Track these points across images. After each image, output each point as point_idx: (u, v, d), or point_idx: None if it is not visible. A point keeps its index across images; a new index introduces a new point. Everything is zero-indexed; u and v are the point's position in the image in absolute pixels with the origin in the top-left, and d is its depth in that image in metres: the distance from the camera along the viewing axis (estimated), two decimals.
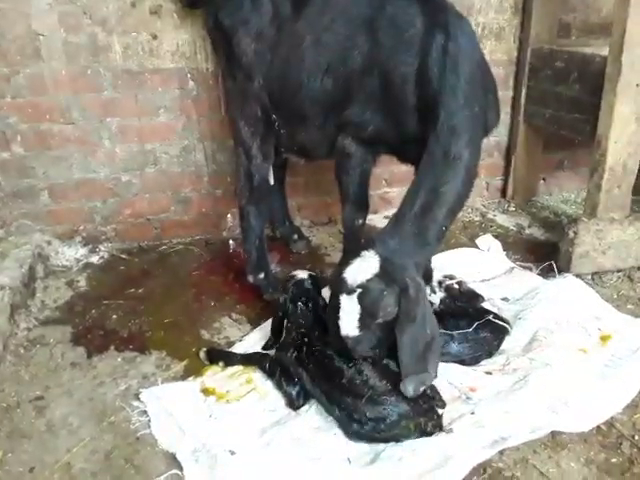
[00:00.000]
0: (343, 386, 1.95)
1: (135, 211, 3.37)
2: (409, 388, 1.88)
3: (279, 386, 2.15)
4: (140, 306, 2.80)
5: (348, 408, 1.90)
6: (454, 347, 2.23)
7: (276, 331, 2.37)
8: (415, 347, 1.96)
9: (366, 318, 1.97)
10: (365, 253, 2.00)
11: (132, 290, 2.94)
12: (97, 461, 1.91)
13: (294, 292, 2.38)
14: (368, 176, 2.52)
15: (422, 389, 1.91)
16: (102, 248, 3.32)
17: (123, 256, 3.28)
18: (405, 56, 2.19)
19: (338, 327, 2.01)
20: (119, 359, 2.42)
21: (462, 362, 2.25)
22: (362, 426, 1.88)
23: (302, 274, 2.47)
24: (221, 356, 2.37)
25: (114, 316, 2.72)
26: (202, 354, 2.38)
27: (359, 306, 1.96)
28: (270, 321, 2.55)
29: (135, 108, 3.17)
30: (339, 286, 2.01)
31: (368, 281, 1.96)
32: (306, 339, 2.17)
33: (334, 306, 2.03)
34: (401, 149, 2.44)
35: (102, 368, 2.37)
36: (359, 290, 1.96)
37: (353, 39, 2.30)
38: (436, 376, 2.00)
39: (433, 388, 2.01)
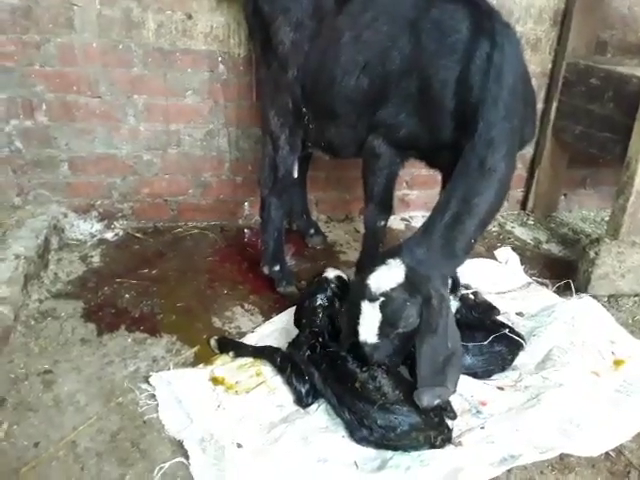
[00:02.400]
0: (355, 390, 1.93)
1: (153, 191, 3.34)
2: (423, 399, 1.86)
3: (289, 382, 2.13)
4: (153, 287, 2.78)
5: (359, 413, 1.89)
6: (468, 359, 2.20)
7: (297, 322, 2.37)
8: (434, 359, 1.93)
9: (387, 327, 1.95)
10: (391, 261, 1.97)
11: (145, 270, 2.93)
12: (102, 441, 1.91)
13: (318, 289, 2.36)
14: (395, 178, 2.49)
15: (436, 402, 1.88)
16: (117, 225, 3.31)
17: (138, 235, 3.27)
18: (447, 61, 2.15)
19: (356, 331, 1.99)
20: (129, 339, 2.41)
21: (474, 375, 2.23)
22: (371, 432, 1.87)
23: (331, 273, 2.45)
24: (232, 346, 2.35)
25: (126, 295, 2.71)
26: (213, 342, 2.37)
27: (380, 314, 1.94)
28: (283, 314, 2.55)
29: (163, 87, 3.13)
30: (362, 292, 1.98)
31: (392, 290, 1.93)
32: (320, 339, 2.16)
33: (354, 310, 2.00)
34: (432, 155, 2.41)
35: (112, 347, 2.36)
36: (382, 299, 1.94)
37: (394, 39, 2.26)
38: (454, 391, 1.96)
39: (448, 402, 1.99)
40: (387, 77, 2.30)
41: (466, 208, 2.03)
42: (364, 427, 1.87)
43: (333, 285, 2.39)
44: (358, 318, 2.00)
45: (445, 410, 1.95)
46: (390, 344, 2.00)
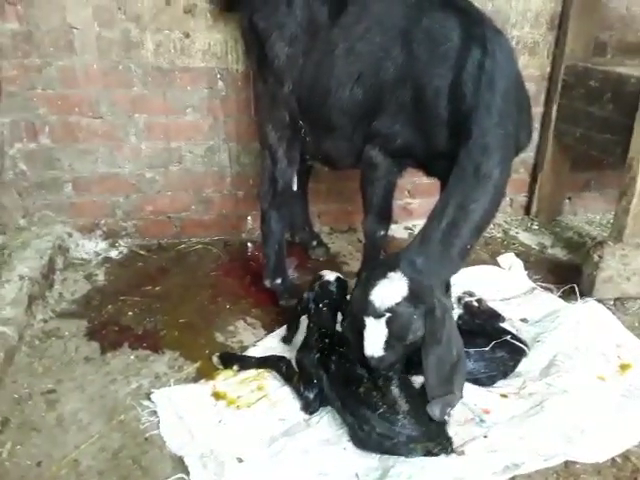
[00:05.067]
0: (359, 395, 1.93)
1: (157, 208, 3.38)
2: (436, 411, 1.87)
3: (296, 389, 2.13)
4: (156, 304, 2.80)
5: (360, 417, 1.89)
6: (469, 365, 2.17)
7: (292, 326, 2.36)
8: (441, 369, 1.93)
9: (394, 341, 1.93)
10: (392, 274, 1.94)
11: (149, 287, 2.95)
12: (104, 459, 1.91)
13: (319, 292, 2.38)
14: (393, 188, 2.50)
15: (449, 410, 1.89)
16: (122, 243, 3.34)
17: (142, 252, 3.30)
18: (439, 70, 2.15)
19: (361, 345, 1.97)
20: (132, 357, 2.42)
21: (476, 381, 2.21)
22: (369, 437, 1.86)
23: (330, 275, 2.46)
24: (235, 359, 2.35)
25: (130, 313, 2.73)
26: (215, 359, 2.36)
27: (387, 330, 1.92)
28: (284, 328, 2.55)
29: (163, 105, 3.17)
30: (366, 309, 1.95)
31: (397, 305, 1.90)
32: (328, 341, 2.16)
33: (357, 325, 1.98)
34: (429, 163, 2.41)
35: (115, 365, 2.37)
36: (388, 314, 1.91)
37: (387, 50, 2.28)
38: (462, 397, 1.96)
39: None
40: (381, 87, 2.31)
41: (462, 215, 2.02)
42: (362, 431, 1.87)
43: (333, 286, 2.39)
44: (362, 333, 1.98)
45: (445, 423, 1.93)
46: (395, 354, 1.98)
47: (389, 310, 1.91)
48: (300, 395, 2.11)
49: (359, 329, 1.97)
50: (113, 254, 3.26)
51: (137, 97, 3.13)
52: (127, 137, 3.20)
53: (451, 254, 2.03)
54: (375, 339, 1.94)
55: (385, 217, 2.55)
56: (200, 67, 3.14)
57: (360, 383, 1.95)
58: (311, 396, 2.08)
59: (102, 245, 3.29)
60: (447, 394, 1.91)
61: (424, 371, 1.95)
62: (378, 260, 2.30)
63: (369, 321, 1.94)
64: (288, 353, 2.36)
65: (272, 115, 2.67)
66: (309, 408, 2.07)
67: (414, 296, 1.91)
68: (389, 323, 1.91)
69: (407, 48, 2.25)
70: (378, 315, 1.92)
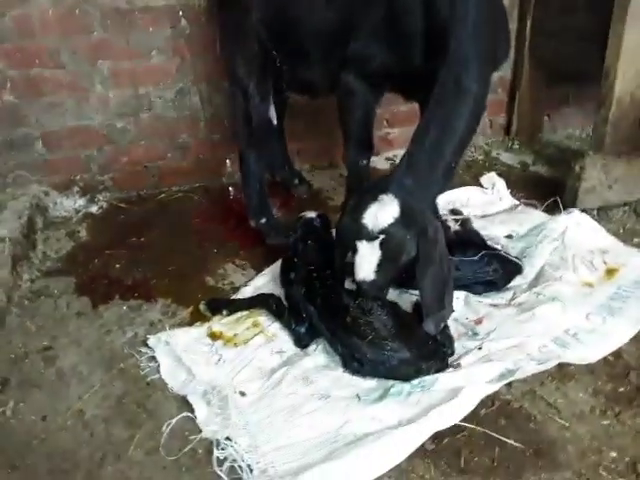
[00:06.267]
0: (347, 324, 1.94)
1: (132, 159, 3.30)
2: (431, 327, 1.91)
3: (287, 325, 2.15)
4: (143, 255, 2.77)
5: (350, 346, 1.91)
6: (460, 273, 2.22)
7: (286, 271, 2.36)
8: (435, 287, 1.95)
9: (387, 263, 1.93)
10: (383, 197, 1.91)
11: (134, 239, 2.91)
12: (109, 407, 1.93)
13: (303, 231, 2.37)
14: (372, 115, 2.45)
15: (442, 325, 1.94)
16: (100, 198, 3.28)
17: (122, 205, 3.24)
18: None
19: (351, 271, 1.97)
20: (125, 307, 2.42)
21: (468, 288, 2.25)
22: (362, 365, 1.90)
23: (311, 214, 2.46)
24: (223, 305, 2.33)
25: (117, 265, 2.70)
26: (202, 307, 2.32)
27: (381, 252, 1.91)
28: (275, 265, 2.54)
29: (126, 50, 3.06)
30: (358, 232, 1.93)
31: (391, 226, 1.89)
32: (315, 275, 2.17)
33: (345, 251, 1.98)
34: (407, 85, 2.36)
35: (108, 317, 2.36)
36: (382, 236, 1.89)
37: None
38: (453, 310, 2.01)
39: (446, 335, 2.00)
40: (353, 7, 2.23)
41: (445, 132, 2.00)
42: (354, 360, 1.90)
43: (316, 222, 2.39)
44: (352, 258, 1.98)
45: (443, 346, 1.96)
46: (386, 277, 2.00)
47: (383, 232, 1.90)
48: (291, 330, 2.13)
49: (350, 254, 1.96)
50: (93, 209, 3.20)
51: (98, 42, 3.01)
52: (93, 86, 3.09)
53: (437, 174, 2.02)
54: (368, 262, 1.93)
55: (366, 146, 2.50)
56: (160, 5, 3.01)
57: (347, 313, 1.96)
58: (302, 330, 2.10)
59: (81, 201, 3.22)
60: (440, 310, 1.94)
61: (420, 291, 1.97)
62: (366, 185, 2.26)
63: (362, 245, 1.93)
64: (278, 290, 2.36)
65: (239, 48, 2.57)
66: (302, 342, 2.10)
67: (406, 217, 1.90)
68: (383, 245, 1.90)
69: None
70: (371, 238, 1.91)
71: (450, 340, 2.00)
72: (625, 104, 2.79)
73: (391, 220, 1.89)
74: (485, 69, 2.10)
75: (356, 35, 2.23)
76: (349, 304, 1.99)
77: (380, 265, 1.93)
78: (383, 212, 1.90)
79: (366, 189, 2.08)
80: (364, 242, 1.92)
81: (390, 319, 1.95)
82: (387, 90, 2.44)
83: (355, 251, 1.95)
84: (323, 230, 2.44)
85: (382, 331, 1.90)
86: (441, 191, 2.14)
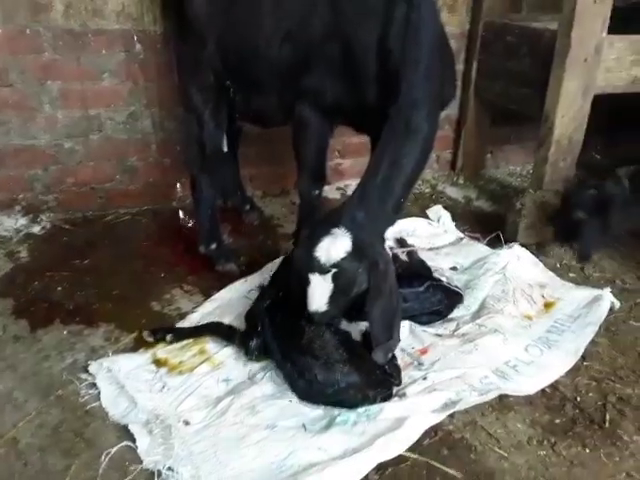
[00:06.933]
0: (302, 346, 1.96)
1: (78, 180, 3.23)
2: (380, 356, 1.95)
3: (240, 340, 2.15)
4: (86, 278, 2.70)
5: (302, 366, 1.93)
6: (407, 305, 2.27)
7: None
8: (384, 318, 1.99)
9: (338, 296, 1.96)
10: (335, 230, 1.93)
11: (77, 261, 2.83)
12: (45, 435, 1.85)
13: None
14: (326, 145, 2.50)
15: (390, 355, 1.98)
16: (44, 218, 3.18)
17: (66, 226, 3.15)
18: (367, 25, 2.16)
19: (304, 301, 1.99)
20: (65, 332, 2.33)
21: (413, 319, 2.31)
22: (311, 386, 1.91)
23: None
24: (168, 332, 2.27)
25: (59, 288, 2.61)
26: (146, 333, 2.26)
27: (332, 285, 1.93)
28: (222, 292, 2.53)
29: (77, 71, 3.01)
30: (310, 265, 1.94)
31: (343, 260, 1.91)
32: (281, 293, 2.19)
33: (299, 282, 1.99)
34: (359, 119, 2.43)
35: (47, 341, 2.28)
36: (334, 270, 1.91)
37: (314, 6, 2.25)
38: (399, 340, 2.05)
39: (394, 366, 2.04)
40: (309, 44, 2.29)
41: (395, 170, 2.06)
42: (304, 380, 1.92)
43: None
44: (305, 289, 1.98)
45: (391, 376, 1.99)
46: (337, 307, 2.02)
47: (335, 266, 1.92)
48: (243, 343, 2.13)
49: (302, 286, 1.98)
50: (35, 230, 3.09)
51: (48, 63, 2.96)
52: (41, 106, 3.03)
53: (387, 208, 2.07)
54: (320, 295, 1.95)
55: (319, 176, 2.55)
56: (115, 29, 3.00)
57: (303, 334, 1.99)
58: (252, 345, 2.10)
59: (22, 221, 3.12)
60: (388, 340, 1.98)
61: (369, 322, 2.00)
62: (318, 218, 2.29)
63: (314, 277, 1.94)
64: (227, 318, 2.35)
65: (195, 77, 2.58)
66: (249, 353, 2.11)
67: (358, 250, 1.93)
68: (335, 278, 1.93)
69: (334, 4, 2.23)
70: (324, 271, 1.93)
71: (398, 371, 2.03)
72: (563, 145, 2.96)
73: (343, 254, 1.92)
74: (434, 109, 2.19)
75: (311, 70, 2.29)
76: (305, 327, 2.00)
77: (332, 297, 1.95)
78: (335, 246, 1.92)
79: (319, 221, 2.11)
80: (317, 275, 1.94)
81: (342, 346, 1.97)
82: (340, 123, 2.51)
83: (307, 283, 1.96)
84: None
85: (335, 355, 1.93)
86: (391, 224, 2.19)
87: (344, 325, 2.11)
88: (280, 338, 2.05)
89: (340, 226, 1.95)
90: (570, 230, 2.79)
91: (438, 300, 2.34)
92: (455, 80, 2.53)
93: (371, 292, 1.97)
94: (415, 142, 2.09)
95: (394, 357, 2.05)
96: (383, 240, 2.15)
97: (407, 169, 2.08)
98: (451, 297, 2.41)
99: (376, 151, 2.15)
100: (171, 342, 2.22)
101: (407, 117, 2.07)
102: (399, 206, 2.16)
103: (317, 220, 2.20)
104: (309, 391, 1.92)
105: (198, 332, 2.28)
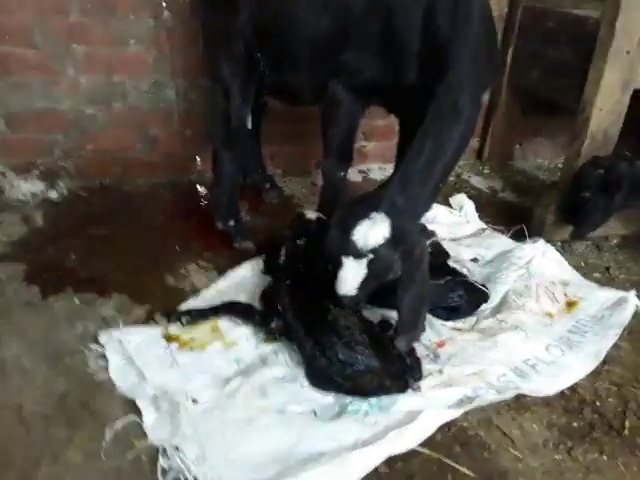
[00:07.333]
0: (328, 322, 1.91)
1: (98, 147, 3.19)
2: (403, 344, 1.91)
3: (261, 321, 2.11)
4: (101, 247, 2.66)
5: (323, 344, 1.87)
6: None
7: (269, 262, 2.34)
8: (414, 307, 1.94)
9: (370, 282, 1.90)
10: (374, 215, 1.86)
11: (93, 230, 2.79)
12: (50, 404, 1.82)
13: (297, 229, 2.32)
14: (356, 127, 2.41)
15: (413, 344, 1.95)
16: (61, 184, 3.15)
17: (84, 194, 3.12)
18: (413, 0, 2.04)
19: (333, 282, 1.93)
20: (77, 300, 2.30)
21: (433, 312, 2.22)
22: (330, 364, 1.85)
23: (311, 214, 2.40)
24: (182, 315, 2.17)
25: (72, 256, 2.58)
26: (158, 317, 2.20)
27: (366, 270, 1.87)
28: (237, 269, 2.48)
29: (104, 36, 2.96)
30: (346, 248, 1.87)
31: (380, 246, 1.84)
32: (302, 271, 2.13)
33: (333, 264, 1.93)
34: (395, 100, 2.33)
35: (58, 309, 2.25)
36: (371, 256, 1.85)
37: None
38: (424, 330, 2.01)
39: (415, 358, 1.98)
40: (350, 16, 2.18)
41: (438, 153, 1.97)
42: (324, 357, 1.86)
43: (312, 224, 2.34)
44: (336, 271, 1.92)
45: (412, 370, 1.93)
46: (367, 292, 1.96)
47: (372, 251, 1.85)
48: (263, 323, 2.09)
49: (334, 267, 1.91)
50: (52, 195, 3.07)
51: (75, 25, 2.90)
52: (64, 70, 2.98)
53: (427, 193, 2.01)
54: (352, 279, 1.89)
55: (346, 157, 2.46)
56: None
57: (327, 312, 1.94)
58: (274, 324, 2.06)
59: (40, 186, 3.09)
60: (415, 329, 1.93)
61: (399, 309, 1.94)
62: (356, 198, 2.20)
63: (348, 261, 1.88)
64: (242, 296, 2.30)
65: (225, 47, 2.49)
66: (272, 335, 2.07)
67: (396, 237, 1.86)
68: (370, 264, 1.86)
69: None
70: (360, 256, 1.86)
71: (419, 364, 1.96)
72: (598, 139, 2.83)
73: (381, 240, 1.84)
74: (479, 92, 2.11)
75: (349, 45, 2.19)
76: (329, 306, 1.95)
77: (363, 282, 1.89)
78: (374, 231, 1.85)
79: (356, 202, 2.01)
80: (351, 258, 1.87)
81: (365, 331, 1.93)
82: (374, 103, 2.41)
83: (340, 265, 1.89)
84: (318, 233, 2.30)
85: (358, 337, 1.88)
86: (428, 209, 2.12)
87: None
88: (303, 317, 1.98)
89: (379, 210, 1.87)
90: (573, 208, 2.73)
91: (458, 296, 2.25)
92: (498, 62, 2.41)
93: (403, 279, 1.90)
94: (460, 125, 1.99)
95: (414, 350, 1.99)
96: (419, 225, 2.08)
97: (449, 153, 1.99)
98: (474, 295, 2.31)
99: (419, 131, 2.01)
100: (187, 324, 2.15)
101: (455, 96, 1.97)
102: (437, 191, 2.09)
103: (355, 200, 2.08)
104: (326, 371, 1.86)
105: (215, 312, 2.20)
